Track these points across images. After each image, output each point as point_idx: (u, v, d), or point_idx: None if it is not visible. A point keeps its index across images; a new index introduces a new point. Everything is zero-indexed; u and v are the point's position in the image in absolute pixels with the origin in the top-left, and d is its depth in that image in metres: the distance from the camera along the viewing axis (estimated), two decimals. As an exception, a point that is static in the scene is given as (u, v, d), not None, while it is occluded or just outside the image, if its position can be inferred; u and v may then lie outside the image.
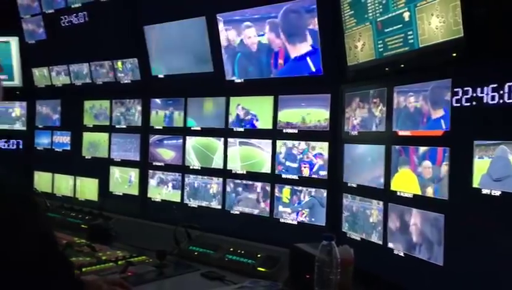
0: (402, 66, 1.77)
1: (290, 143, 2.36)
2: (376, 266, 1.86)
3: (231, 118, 2.57)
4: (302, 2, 2.17)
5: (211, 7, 2.50)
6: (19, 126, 3.78)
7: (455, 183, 1.52)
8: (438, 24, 1.56)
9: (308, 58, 2.22)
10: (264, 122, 2.45)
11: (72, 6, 3.19)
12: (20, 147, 3.76)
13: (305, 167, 2.30)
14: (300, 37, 2.23)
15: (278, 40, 2.31)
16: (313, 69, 2.22)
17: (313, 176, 2.27)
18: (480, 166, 1.42)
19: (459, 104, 1.51)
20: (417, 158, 1.68)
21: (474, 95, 1.45)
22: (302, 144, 2.31)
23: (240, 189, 2.53)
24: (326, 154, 2.24)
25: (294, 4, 2.20)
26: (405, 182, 1.74)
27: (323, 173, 2.24)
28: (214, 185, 2.64)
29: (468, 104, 1.47)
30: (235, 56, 2.47)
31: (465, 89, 1.48)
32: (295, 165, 2.33)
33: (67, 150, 3.48)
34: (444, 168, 1.56)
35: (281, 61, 2.33)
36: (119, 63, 3.06)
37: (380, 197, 1.87)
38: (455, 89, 1.52)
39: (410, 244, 1.71)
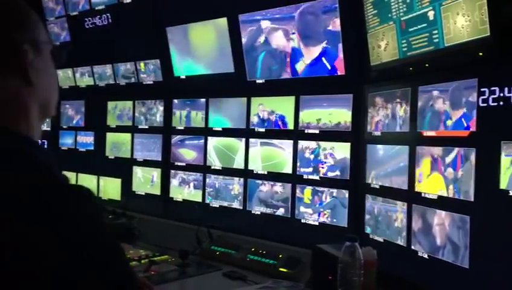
0: (427, 65, 1.75)
1: (299, 145, 2.37)
2: (400, 268, 1.85)
3: (256, 119, 2.56)
4: (324, 2, 2.16)
5: (233, 8, 2.50)
6: (44, 126, 3.85)
7: (481, 184, 1.50)
8: (463, 23, 1.54)
9: (323, 58, 2.23)
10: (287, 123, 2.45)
11: (96, 8, 3.23)
12: (45, 147, 3.82)
13: (322, 168, 2.30)
14: (316, 39, 2.23)
15: (289, 42, 2.32)
16: (329, 67, 2.21)
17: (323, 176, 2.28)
18: (508, 167, 1.39)
19: (485, 104, 1.48)
20: (443, 166, 1.66)
21: (501, 94, 1.42)
22: (313, 144, 2.32)
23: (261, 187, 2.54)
24: (337, 155, 2.24)
25: (315, 4, 2.20)
26: (434, 185, 1.71)
27: (332, 174, 2.25)
28: (236, 185, 2.65)
29: (495, 104, 1.45)
30: (258, 56, 2.47)
31: (492, 88, 1.46)
32: (309, 169, 2.34)
33: (90, 150, 3.53)
34: (469, 170, 1.54)
35: (288, 59, 2.35)
36: (142, 64, 3.09)
37: (404, 198, 1.85)
38: (482, 89, 1.50)
39: (434, 246, 1.69)
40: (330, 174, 2.26)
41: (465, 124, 1.56)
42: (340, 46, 2.16)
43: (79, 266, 0.72)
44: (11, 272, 0.70)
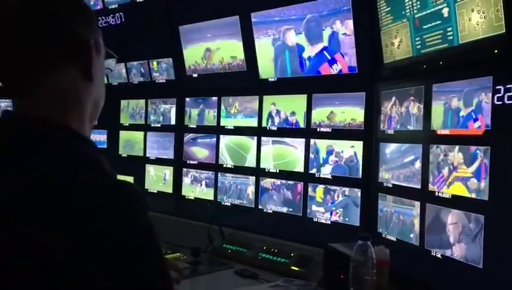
0: (441, 63, 1.73)
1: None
2: (413, 267, 1.83)
3: (277, 120, 2.54)
4: (336, 4, 2.16)
5: (245, 6, 2.50)
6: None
7: (496, 183, 1.48)
8: (478, 20, 1.52)
9: (324, 52, 2.25)
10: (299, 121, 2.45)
11: (109, 7, 3.25)
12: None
13: (323, 167, 2.32)
14: (319, 39, 2.26)
15: (297, 39, 2.34)
16: (329, 57, 2.23)
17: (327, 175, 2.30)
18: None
19: (500, 102, 1.46)
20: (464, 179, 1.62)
21: (517, 92, 1.40)
22: (312, 142, 2.36)
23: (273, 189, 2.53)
24: (340, 153, 2.26)
25: (326, 4, 2.19)
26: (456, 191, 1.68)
27: (336, 172, 2.27)
28: (248, 183, 2.64)
29: (510, 102, 1.43)
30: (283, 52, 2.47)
31: (507, 86, 1.44)
32: (313, 169, 2.35)
33: (103, 148, 3.55)
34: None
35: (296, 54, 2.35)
36: (155, 63, 3.11)
37: (417, 197, 1.84)
38: (497, 87, 1.47)
39: (448, 245, 1.67)
40: (334, 173, 2.27)
41: (484, 123, 1.53)
42: (342, 44, 2.18)
43: (93, 264, 0.72)
44: (10, 273, 0.70)
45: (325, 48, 2.25)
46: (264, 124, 2.58)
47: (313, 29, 2.27)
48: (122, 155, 3.40)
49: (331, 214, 2.29)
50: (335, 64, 2.23)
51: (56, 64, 0.86)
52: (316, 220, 2.33)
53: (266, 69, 2.51)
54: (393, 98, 2.00)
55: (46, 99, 0.85)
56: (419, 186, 1.83)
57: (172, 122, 3.09)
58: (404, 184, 1.92)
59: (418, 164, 1.84)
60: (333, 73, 2.25)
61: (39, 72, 0.85)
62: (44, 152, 0.79)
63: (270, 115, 2.56)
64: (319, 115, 2.35)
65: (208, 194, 2.84)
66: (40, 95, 0.85)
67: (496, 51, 1.49)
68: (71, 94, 0.88)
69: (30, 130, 0.82)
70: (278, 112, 2.52)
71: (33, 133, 0.82)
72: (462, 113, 1.63)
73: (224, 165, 2.77)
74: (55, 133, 0.83)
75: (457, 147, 1.65)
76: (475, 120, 1.56)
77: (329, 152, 2.30)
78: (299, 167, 2.42)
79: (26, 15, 0.84)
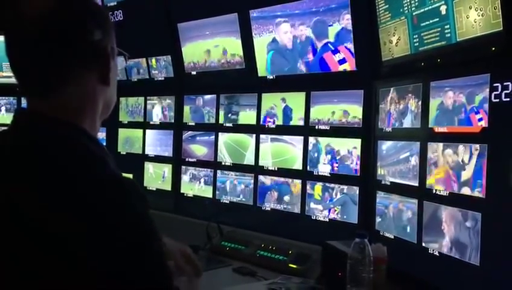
0: (438, 60, 1.73)
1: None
2: (410, 265, 1.83)
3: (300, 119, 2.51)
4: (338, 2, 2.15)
5: (244, 4, 2.50)
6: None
7: (493, 181, 1.48)
8: (476, 17, 1.52)
9: (329, 44, 2.25)
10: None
11: (108, 5, 3.24)
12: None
13: (324, 164, 2.32)
14: (324, 35, 2.25)
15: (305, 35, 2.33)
16: (332, 48, 2.23)
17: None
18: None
19: (498, 100, 1.46)
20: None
21: (515, 90, 1.40)
22: (312, 140, 2.37)
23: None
24: (339, 151, 2.26)
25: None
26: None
27: (336, 170, 2.27)
28: (247, 181, 2.64)
29: (508, 99, 1.42)
30: (268, 53, 2.47)
31: (505, 84, 1.44)
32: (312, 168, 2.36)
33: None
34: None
35: (310, 56, 2.33)
36: (153, 60, 3.10)
37: (415, 195, 1.84)
38: (494, 84, 1.47)
39: (445, 243, 1.67)
40: (332, 170, 2.27)
41: (482, 121, 1.53)
42: (345, 39, 2.17)
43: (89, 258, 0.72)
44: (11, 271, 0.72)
45: (329, 42, 2.25)
46: (281, 122, 2.52)
47: (319, 28, 2.26)
48: (121, 153, 3.40)
49: (329, 212, 2.29)
50: (338, 54, 2.22)
51: (78, 68, 0.89)
52: (314, 217, 2.33)
53: (265, 66, 2.51)
54: (392, 95, 2.00)
55: (62, 100, 0.88)
56: (416, 184, 1.83)
57: (155, 119, 3.13)
58: (400, 181, 1.92)
59: (413, 161, 1.84)
60: (337, 60, 2.23)
61: (62, 73, 0.88)
62: (49, 150, 0.81)
63: (285, 113, 2.51)
64: (318, 112, 2.35)
65: (206, 191, 2.85)
66: (58, 96, 0.87)
67: (493, 49, 1.49)
68: (88, 96, 0.91)
69: (38, 128, 0.85)
70: (288, 108, 2.50)
71: (40, 131, 0.84)
72: (460, 110, 1.63)
73: (223, 163, 2.77)
74: (63, 131, 0.86)
75: (452, 146, 1.65)
76: (477, 113, 1.56)
77: (328, 150, 2.30)
78: (298, 165, 2.42)
79: (57, 19, 0.87)
